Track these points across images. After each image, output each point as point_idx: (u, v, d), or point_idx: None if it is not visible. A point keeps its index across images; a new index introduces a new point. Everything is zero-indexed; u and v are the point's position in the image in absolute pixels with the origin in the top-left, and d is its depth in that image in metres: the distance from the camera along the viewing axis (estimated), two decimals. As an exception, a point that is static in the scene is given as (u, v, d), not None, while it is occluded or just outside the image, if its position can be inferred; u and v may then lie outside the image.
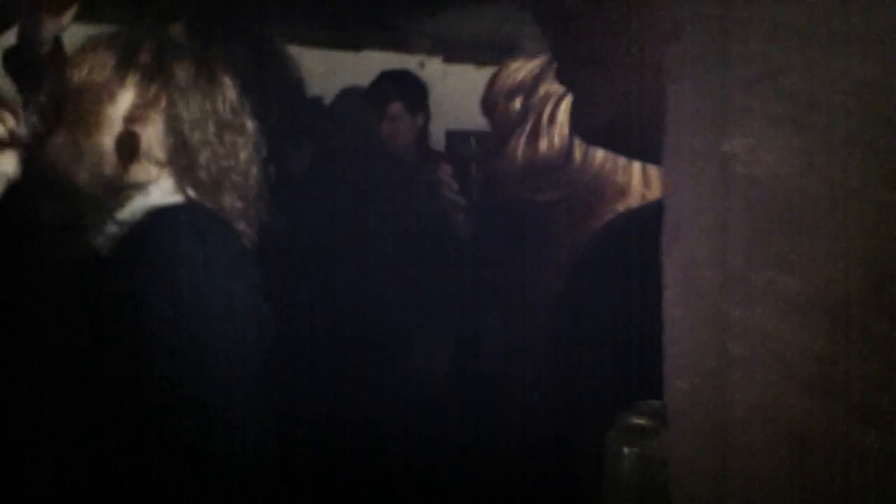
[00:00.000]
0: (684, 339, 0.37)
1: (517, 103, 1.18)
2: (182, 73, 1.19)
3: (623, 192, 1.08)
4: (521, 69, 1.20)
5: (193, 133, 1.18)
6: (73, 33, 1.54)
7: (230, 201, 1.22)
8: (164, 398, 1.06)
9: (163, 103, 1.18)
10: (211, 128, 1.20)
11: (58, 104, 1.17)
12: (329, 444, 1.60)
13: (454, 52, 2.92)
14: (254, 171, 1.25)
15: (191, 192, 1.20)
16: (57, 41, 1.58)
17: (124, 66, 1.18)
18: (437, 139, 2.46)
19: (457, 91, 2.43)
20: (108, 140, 1.17)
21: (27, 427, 1.12)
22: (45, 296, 1.13)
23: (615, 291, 0.67)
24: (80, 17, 1.61)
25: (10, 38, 1.59)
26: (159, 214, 1.16)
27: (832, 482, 0.32)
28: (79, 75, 1.17)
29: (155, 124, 1.17)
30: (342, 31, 2.66)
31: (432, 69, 2.85)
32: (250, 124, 1.25)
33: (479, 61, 2.67)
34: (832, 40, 0.32)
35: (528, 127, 1.15)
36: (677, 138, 0.37)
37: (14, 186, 1.16)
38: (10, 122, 1.13)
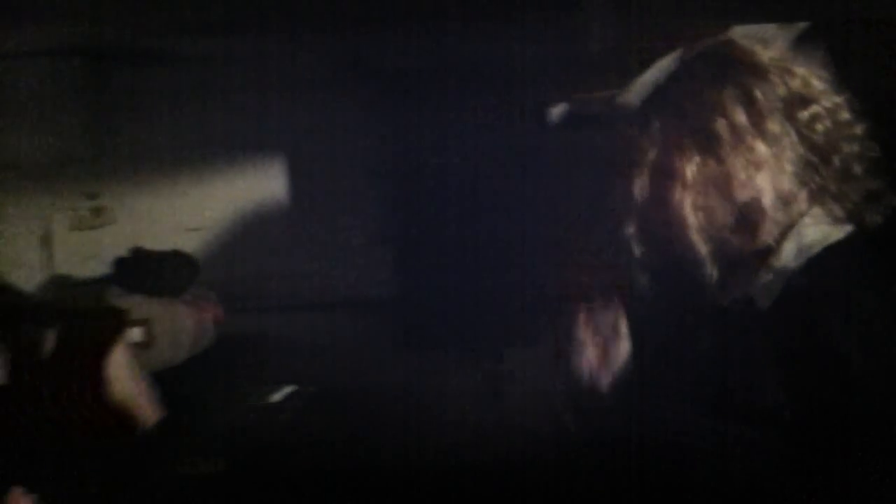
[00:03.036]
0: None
1: None
2: (768, 90, 1.12)
3: None
4: None
5: (812, 134, 1.11)
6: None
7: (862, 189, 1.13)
8: None
9: (769, 123, 1.10)
10: (826, 122, 1.12)
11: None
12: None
13: None
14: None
15: (838, 211, 1.13)
16: None
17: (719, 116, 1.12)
18: None
19: None
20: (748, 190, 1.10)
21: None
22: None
23: None
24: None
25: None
26: (824, 258, 1.08)
27: None
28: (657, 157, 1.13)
29: (779, 145, 1.11)
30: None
31: None
32: (840, 96, 1.15)
33: None
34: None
35: None
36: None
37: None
38: None
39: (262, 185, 3.14)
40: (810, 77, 1.17)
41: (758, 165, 1.12)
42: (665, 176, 1.15)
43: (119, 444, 1.66)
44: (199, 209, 3.10)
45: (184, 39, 2.78)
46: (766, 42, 1.21)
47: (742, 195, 1.13)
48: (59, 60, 2.90)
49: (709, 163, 1.13)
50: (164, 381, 1.90)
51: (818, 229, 1.13)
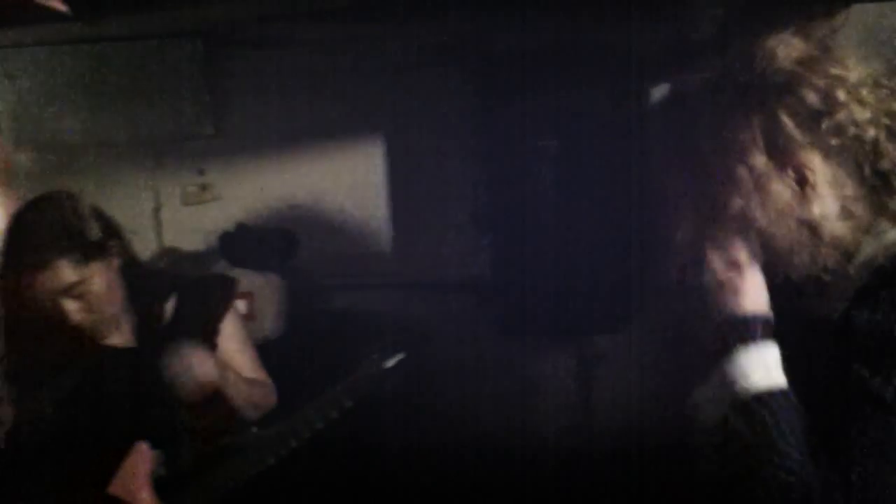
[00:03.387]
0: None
1: None
2: (795, 103, 1.07)
3: None
4: None
5: (839, 145, 1.06)
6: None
7: None
8: None
9: (799, 148, 1.06)
10: (853, 130, 1.06)
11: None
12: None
13: None
14: None
15: None
16: None
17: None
18: None
19: None
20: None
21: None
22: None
23: None
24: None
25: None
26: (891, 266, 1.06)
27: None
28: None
29: (821, 156, 1.07)
30: None
31: None
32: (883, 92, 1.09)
33: None
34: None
35: None
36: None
37: None
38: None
39: (365, 166, 3.20)
40: (837, 80, 1.09)
41: (790, 202, 1.09)
42: (710, 207, 1.13)
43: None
44: (301, 188, 3.18)
45: (295, 25, 2.86)
46: (788, 44, 1.12)
47: (792, 223, 1.10)
48: (177, 43, 3.02)
49: (747, 200, 1.10)
50: (268, 352, 1.98)
51: (884, 239, 1.10)
